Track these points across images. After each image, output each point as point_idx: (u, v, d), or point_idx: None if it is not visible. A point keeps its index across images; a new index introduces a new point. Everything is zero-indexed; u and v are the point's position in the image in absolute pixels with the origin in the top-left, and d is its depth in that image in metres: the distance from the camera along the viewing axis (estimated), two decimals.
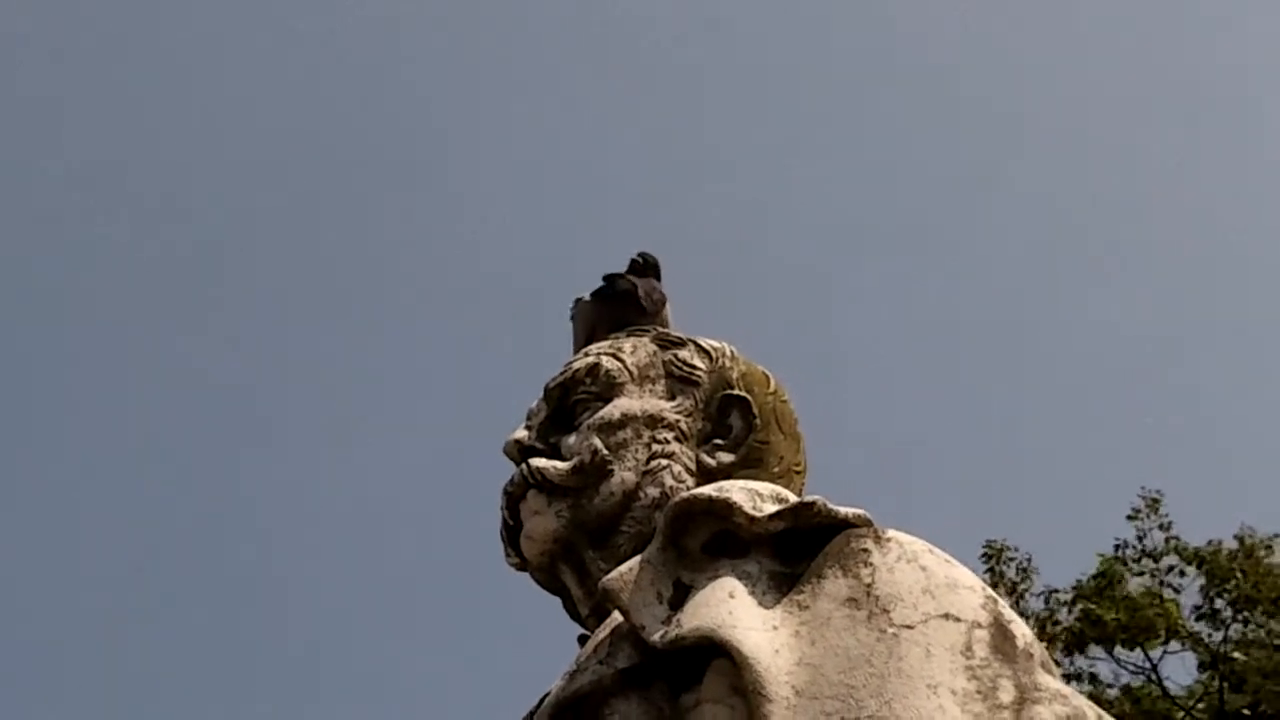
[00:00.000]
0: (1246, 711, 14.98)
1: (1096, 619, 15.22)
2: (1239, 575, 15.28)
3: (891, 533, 3.05)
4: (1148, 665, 15.50)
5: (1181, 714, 15.25)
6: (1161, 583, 15.60)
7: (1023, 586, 15.75)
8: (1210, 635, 15.39)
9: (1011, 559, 15.85)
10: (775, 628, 2.92)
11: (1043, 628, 15.06)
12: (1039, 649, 2.95)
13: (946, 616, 2.90)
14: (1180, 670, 15.67)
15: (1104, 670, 15.48)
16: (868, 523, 3.10)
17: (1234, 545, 15.54)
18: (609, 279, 3.78)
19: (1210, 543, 15.59)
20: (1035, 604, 15.69)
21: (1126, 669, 15.52)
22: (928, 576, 2.96)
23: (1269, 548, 15.52)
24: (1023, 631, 2.94)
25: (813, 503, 3.10)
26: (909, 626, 2.88)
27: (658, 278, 3.78)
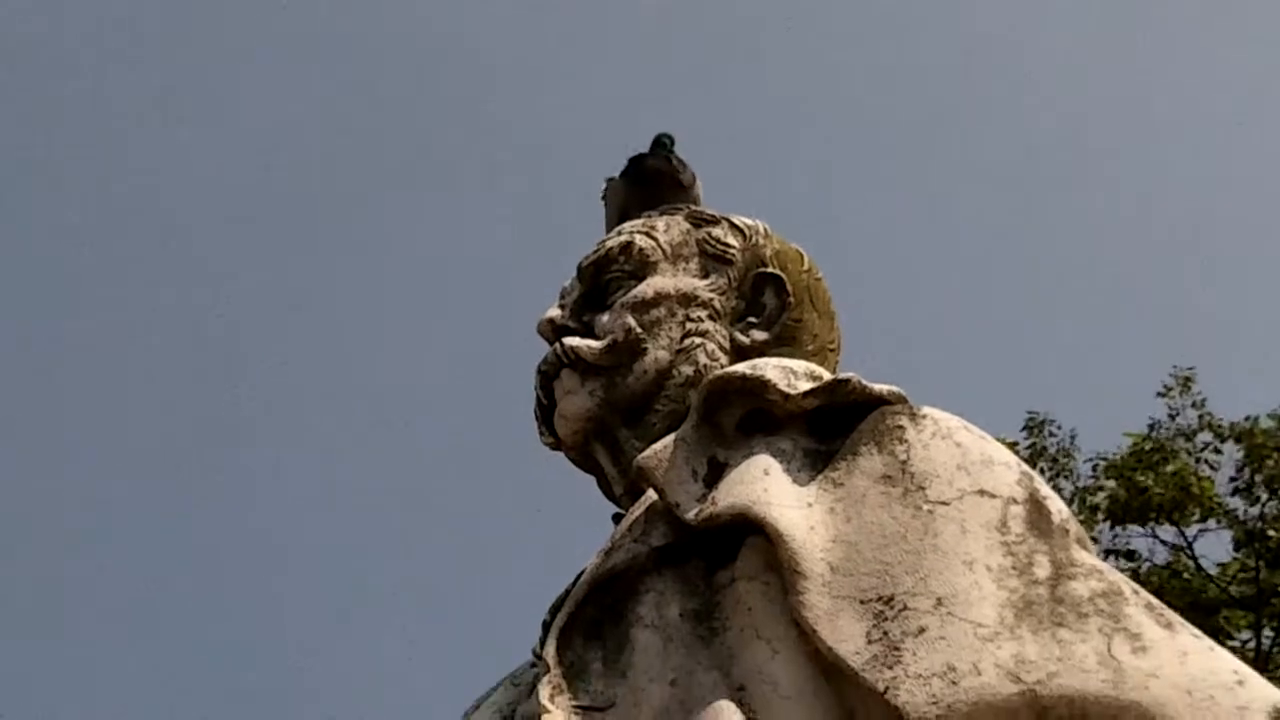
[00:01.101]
0: None
1: (1144, 488, 15.18)
2: (1276, 453, 15.24)
3: (927, 409, 3.05)
4: (1184, 542, 15.50)
5: (1217, 590, 15.27)
6: (1198, 459, 15.57)
7: (1064, 462, 15.74)
8: (1247, 511, 15.38)
9: (1053, 434, 15.85)
10: (810, 504, 2.92)
11: (1083, 499, 15.06)
12: (1075, 525, 2.95)
13: (982, 493, 2.89)
14: (1217, 548, 15.67)
15: (1141, 546, 15.50)
16: (903, 399, 3.10)
17: (1270, 424, 15.49)
18: (637, 158, 3.76)
19: (1247, 418, 15.54)
20: (1082, 470, 15.67)
21: (1164, 545, 15.53)
22: (963, 453, 2.96)
23: None
24: (1058, 508, 2.93)
25: (848, 379, 3.10)
26: (944, 503, 2.88)
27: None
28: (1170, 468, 15.38)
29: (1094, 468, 15.65)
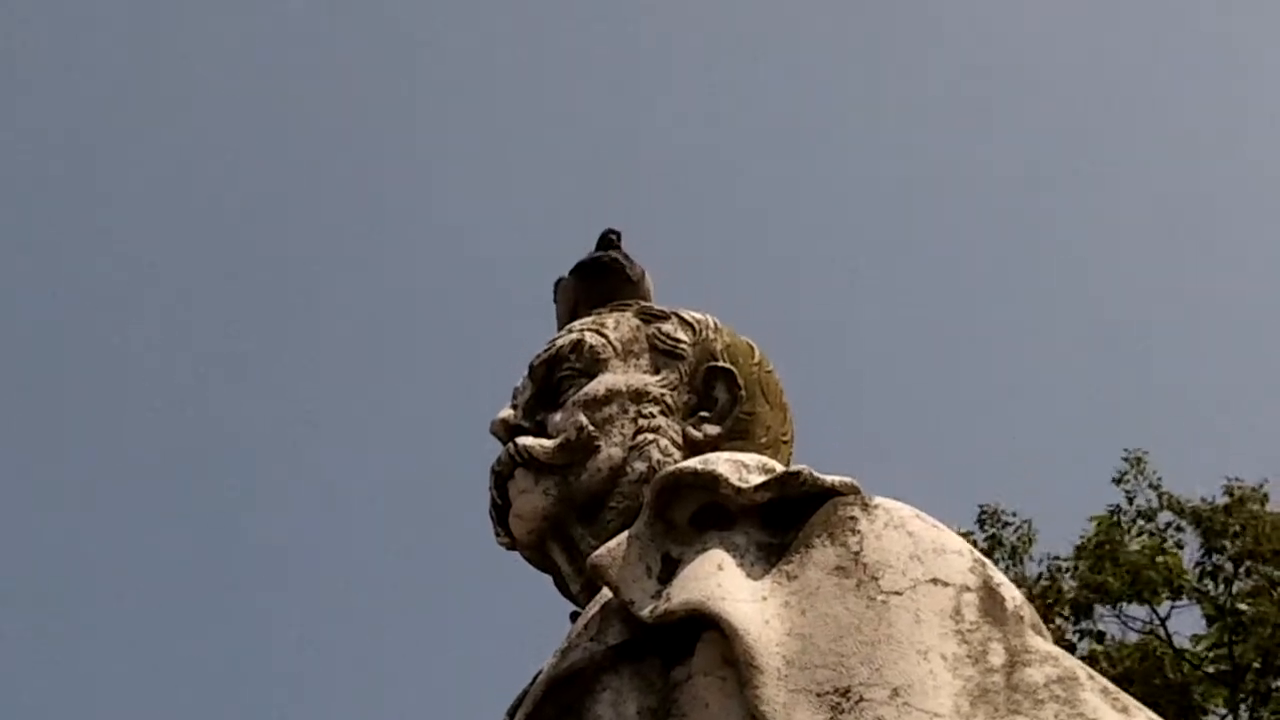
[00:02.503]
0: (1257, 664, 14.99)
1: (1099, 585, 15.21)
2: (1237, 528, 15.26)
3: (878, 499, 3.06)
4: (1155, 621, 15.50)
5: (1190, 668, 15.26)
6: (1161, 540, 15.59)
7: (1021, 551, 15.73)
8: (1216, 589, 15.38)
9: (1008, 524, 15.85)
10: (764, 598, 2.93)
11: (1044, 595, 15.04)
12: (1029, 611, 2.95)
13: (935, 581, 2.90)
14: (1188, 624, 15.68)
15: (1112, 628, 15.49)
16: (855, 490, 3.10)
17: (1225, 499, 15.51)
18: (588, 257, 3.78)
19: (1203, 500, 15.57)
20: (1035, 569, 15.67)
21: (1133, 627, 15.52)
22: (915, 542, 2.96)
23: (1265, 498, 15.50)
24: (1012, 594, 2.94)
25: (799, 472, 3.10)
26: (898, 593, 2.88)
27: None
28: (1134, 546, 15.41)
29: (1049, 568, 15.65)
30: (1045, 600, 14.80)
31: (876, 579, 2.90)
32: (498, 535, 3.49)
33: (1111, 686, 2.79)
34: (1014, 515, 15.88)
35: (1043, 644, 2.87)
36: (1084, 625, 15.40)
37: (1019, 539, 15.81)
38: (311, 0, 23.94)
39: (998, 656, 2.80)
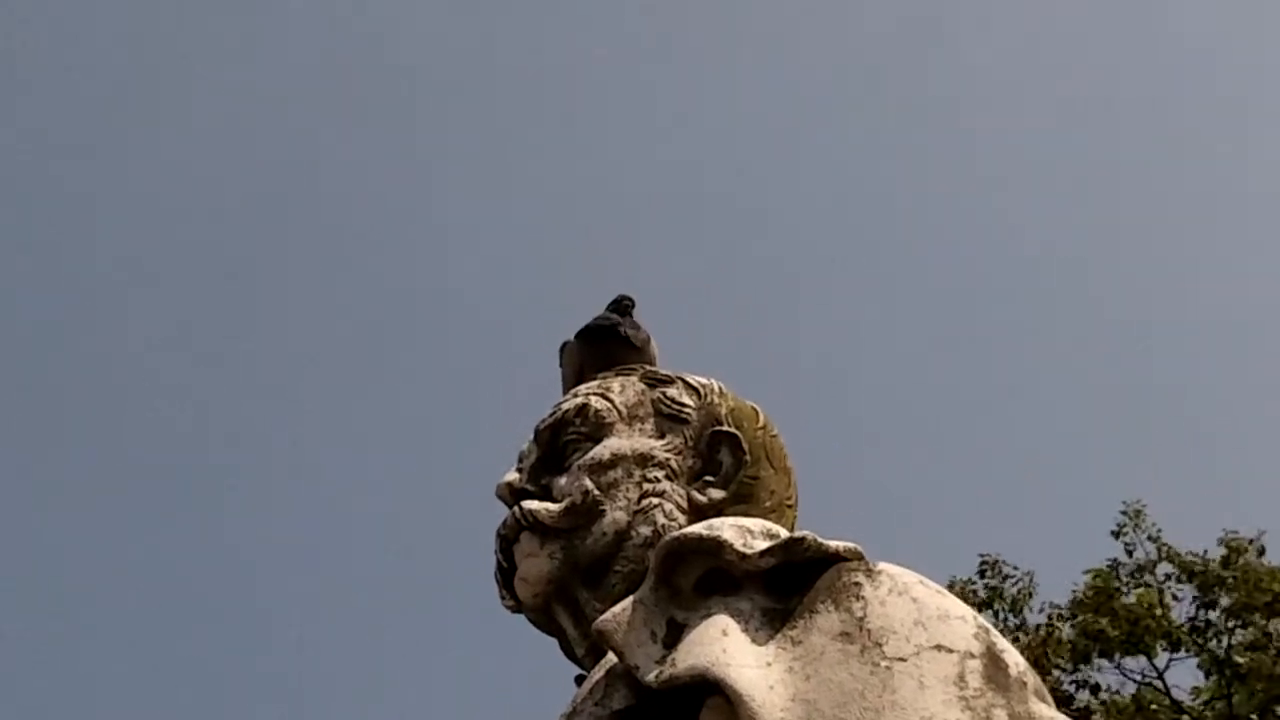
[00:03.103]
0: (1254, 716, 14.97)
1: (1098, 633, 15.21)
2: (1231, 580, 15.26)
3: (883, 565, 3.07)
4: (1153, 673, 15.49)
5: (1189, 719, 15.24)
6: (1160, 592, 15.60)
7: (1021, 602, 15.73)
8: (1212, 641, 15.38)
9: (1010, 575, 15.85)
10: (769, 664, 2.93)
11: (1044, 644, 15.02)
12: (1032, 677, 2.96)
13: (939, 648, 2.91)
14: (1187, 675, 15.67)
15: (1110, 679, 15.48)
16: (859, 555, 3.11)
17: (1220, 551, 15.53)
18: (593, 322, 3.80)
19: (1199, 556, 15.58)
20: (1036, 619, 15.67)
21: (1132, 678, 15.51)
22: (919, 608, 2.98)
23: (1263, 550, 15.51)
24: (1015, 660, 2.95)
25: (803, 538, 3.11)
26: (902, 659, 2.89)
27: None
28: (1129, 599, 15.40)
29: (1048, 617, 15.65)
30: (1044, 649, 14.79)
31: (881, 645, 2.91)
32: (503, 598, 3.50)
33: None
34: (1015, 569, 15.89)
35: (1046, 710, 2.88)
36: (1079, 675, 15.40)
37: (1019, 591, 15.81)
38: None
39: None
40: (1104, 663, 15.41)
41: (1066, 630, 15.51)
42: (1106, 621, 15.19)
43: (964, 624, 2.97)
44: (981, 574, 15.77)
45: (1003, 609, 15.39)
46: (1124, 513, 15.95)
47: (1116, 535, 15.91)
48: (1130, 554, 15.83)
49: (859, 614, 2.97)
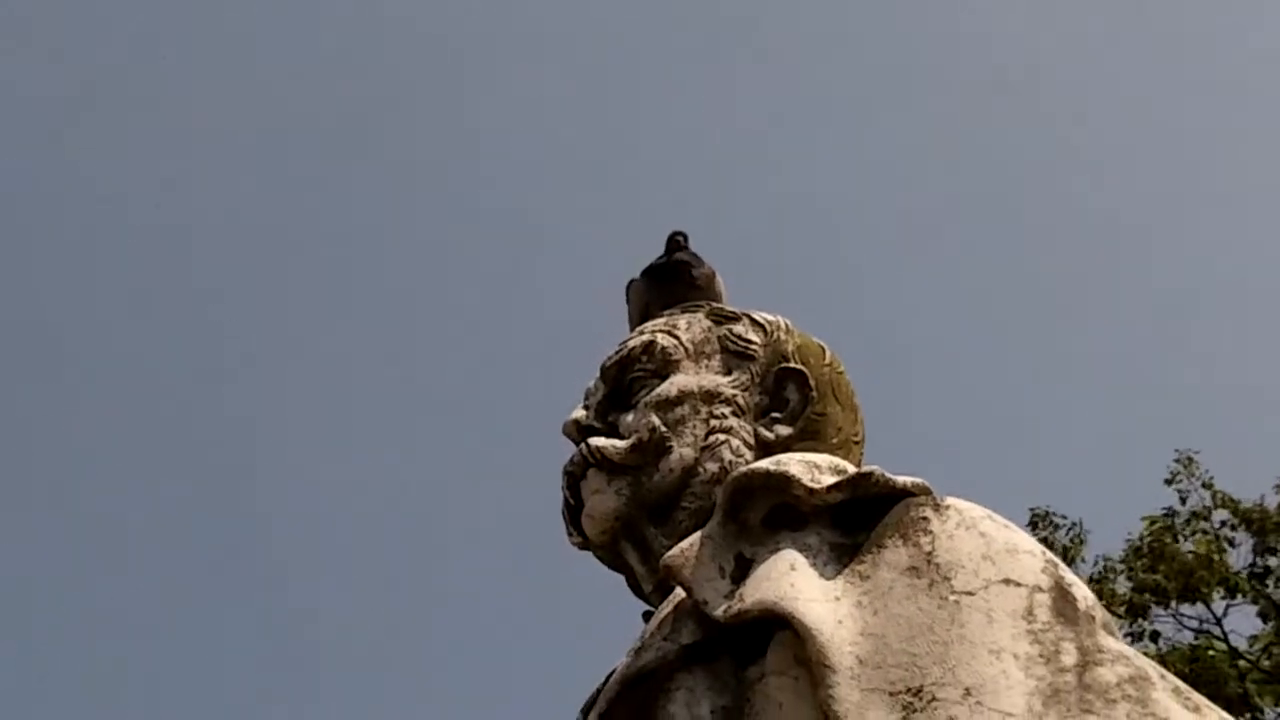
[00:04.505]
0: None
1: (1155, 586, 15.17)
2: None
3: (950, 500, 3.07)
4: (1211, 619, 15.44)
5: (1247, 665, 15.20)
6: (1216, 538, 15.54)
7: (1073, 552, 15.68)
8: (1270, 588, 15.32)
9: (1059, 525, 15.80)
10: (837, 598, 2.94)
11: (1099, 595, 14.95)
12: (1100, 611, 2.96)
13: (1007, 581, 2.91)
14: (1244, 622, 15.61)
15: (1167, 628, 15.44)
16: (926, 491, 3.11)
17: (1277, 499, 15.46)
18: (659, 259, 3.81)
19: (1256, 503, 15.51)
20: (1087, 570, 15.61)
21: (1188, 627, 15.47)
22: (987, 542, 2.98)
23: None
24: (1084, 594, 2.95)
25: (870, 473, 3.12)
26: (970, 593, 2.89)
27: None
28: (1187, 548, 15.36)
29: (1102, 569, 15.61)
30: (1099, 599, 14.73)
31: (949, 579, 2.91)
32: (570, 535, 3.51)
33: (1183, 686, 2.80)
34: (1064, 518, 15.85)
35: (1115, 644, 2.87)
36: (1136, 626, 15.36)
37: (1071, 540, 15.77)
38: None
39: (1070, 656, 2.81)
40: (1159, 611, 15.36)
41: (1122, 583, 15.46)
42: (1162, 574, 15.14)
43: (1032, 558, 2.97)
44: (1033, 525, 15.72)
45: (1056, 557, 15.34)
46: (1177, 460, 15.89)
47: (1169, 483, 15.85)
48: (1184, 501, 15.79)
49: (927, 548, 2.97)
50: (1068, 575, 2.98)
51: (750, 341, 3.54)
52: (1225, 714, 2.78)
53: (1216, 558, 15.30)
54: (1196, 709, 2.74)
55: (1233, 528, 15.62)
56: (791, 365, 3.52)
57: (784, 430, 3.45)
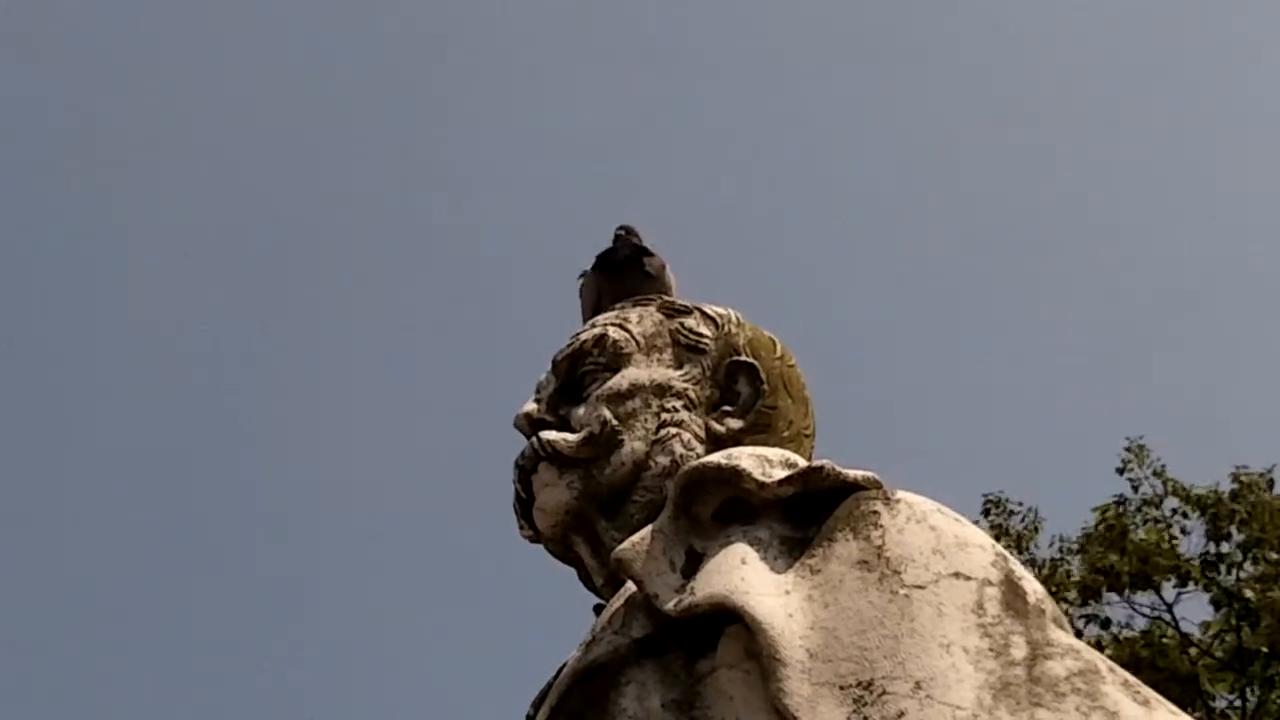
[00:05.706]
0: (1264, 649, 14.99)
1: (1109, 568, 15.22)
2: (1245, 515, 15.25)
3: (900, 494, 3.07)
4: (1162, 606, 15.51)
5: (1197, 652, 15.27)
6: (1167, 526, 15.59)
7: (1028, 539, 15.72)
8: (1222, 575, 15.38)
9: (1014, 512, 15.85)
10: (788, 592, 2.94)
11: (1053, 577, 15.02)
12: (1050, 604, 2.97)
13: (957, 575, 2.92)
14: (1196, 610, 15.69)
15: (1119, 614, 15.50)
16: (877, 484, 3.11)
17: (1231, 487, 15.51)
18: (608, 250, 3.80)
19: (1209, 490, 15.57)
20: (1042, 555, 15.65)
21: (1141, 613, 15.53)
22: (937, 536, 2.98)
23: (1271, 482, 15.50)
24: (1034, 588, 2.96)
25: (821, 467, 3.12)
26: (920, 586, 2.90)
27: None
28: (1139, 535, 15.41)
29: (1059, 550, 15.66)
30: (1053, 584, 14.81)
31: (899, 573, 2.92)
32: (521, 529, 3.51)
33: (1133, 679, 2.81)
34: (1020, 505, 15.89)
35: (1064, 637, 2.88)
36: (1088, 610, 15.41)
37: (1025, 528, 15.82)
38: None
39: (1019, 650, 2.82)
40: (1113, 597, 15.42)
41: (1076, 565, 15.51)
42: (1116, 557, 15.20)
43: (982, 552, 2.97)
44: (986, 513, 15.76)
45: (1009, 545, 15.38)
46: (1128, 449, 15.93)
47: (1121, 471, 15.90)
48: (1136, 490, 15.84)
49: (877, 542, 2.97)
50: (1018, 569, 2.99)
51: (702, 335, 3.54)
52: (1174, 707, 2.79)
53: (1167, 545, 15.35)
54: (1146, 702, 2.75)
55: (1185, 515, 15.68)
56: (743, 359, 3.52)
57: (735, 424, 3.45)
